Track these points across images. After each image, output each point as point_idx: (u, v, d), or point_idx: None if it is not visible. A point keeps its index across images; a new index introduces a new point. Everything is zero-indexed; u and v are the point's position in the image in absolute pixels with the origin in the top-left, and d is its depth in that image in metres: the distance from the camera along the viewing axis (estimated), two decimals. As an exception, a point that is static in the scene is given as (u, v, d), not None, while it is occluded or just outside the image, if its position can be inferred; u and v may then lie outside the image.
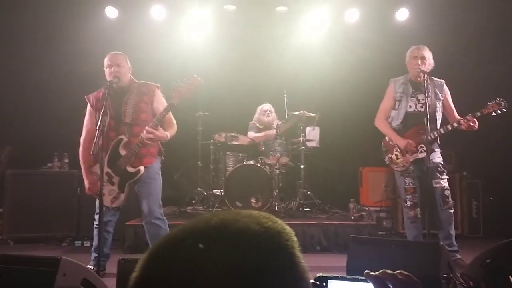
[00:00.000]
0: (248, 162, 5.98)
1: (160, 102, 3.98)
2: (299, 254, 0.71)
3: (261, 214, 0.73)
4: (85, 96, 4.07)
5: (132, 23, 6.68)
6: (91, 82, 4.78)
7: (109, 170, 3.87)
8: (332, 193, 7.12)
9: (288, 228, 0.73)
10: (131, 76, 4.05)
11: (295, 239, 0.72)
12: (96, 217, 3.99)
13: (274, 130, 6.17)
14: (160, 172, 4.10)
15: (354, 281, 0.87)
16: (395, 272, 0.84)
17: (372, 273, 0.84)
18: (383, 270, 0.84)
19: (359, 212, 5.63)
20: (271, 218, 0.73)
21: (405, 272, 0.84)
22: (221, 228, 0.69)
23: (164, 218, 4.02)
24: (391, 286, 0.82)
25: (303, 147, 6.16)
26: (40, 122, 6.40)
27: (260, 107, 6.60)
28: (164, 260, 0.67)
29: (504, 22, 6.09)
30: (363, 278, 0.85)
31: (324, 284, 0.87)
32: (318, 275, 0.87)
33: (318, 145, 6.69)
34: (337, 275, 0.88)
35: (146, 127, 3.75)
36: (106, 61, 3.96)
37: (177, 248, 0.67)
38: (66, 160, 5.98)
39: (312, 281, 0.85)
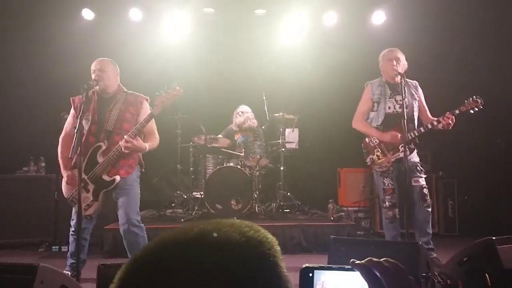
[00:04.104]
0: (228, 164, 5.98)
1: (146, 115, 3.94)
2: (281, 263, 0.70)
3: (243, 223, 0.72)
4: (71, 98, 4.00)
5: (110, 25, 6.61)
6: (67, 84, 4.72)
7: (85, 177, 3.79)
8: (312, 194, 7.15)
9: (270, 237, 0.72)
10: (120, 84, 4.01)
11: (278, 248, 0.71)
12: (72, 223, 3.93)
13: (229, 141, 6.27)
14: (138, 180, 4.06)
15: (340, 270, 0.88)
16: (381, 259, 0.85)
17: (358, 262, 0.84)
18: (369, 258, 0.84)
19: (338, 213, 5.67)
20: (253, 227, 0.71)
21: (391, 260, 0.85)
22: (201, 238, 0.67)
23: (142, 225, 3.97)
24: (377, 273, 0.83)
25: (283, 149, 6.18)
26: (15, 125, 6.27)
27: (236, 109, 6.60)
28: (142, 273, 0.65)
29: (476, 25, 6.23)
30: (349, 267, 0.85)
31: (310, 274, 0.87)
32: (304, 265, 0.87)
33: (297, 146, 6.73)
34: (323, 265, 0.88)
35: (125, 136, 3.70)
36: (92, 66, 3.92)
37: (155, 260, 0.65)
38: (43, 164, 5.85)
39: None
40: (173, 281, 0.63)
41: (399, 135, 4.27)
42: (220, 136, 6.30)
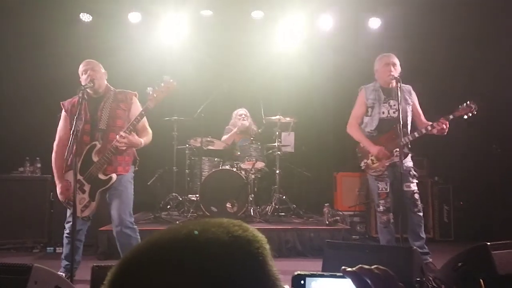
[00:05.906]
0: (223, 167, 5.97)
1: (137, 110, 3.93)
2: (270, 261, 0.70)
3: (232, 222, 0.72)
4: (61, 103, 4.00)
5: (107, 28, 6.61)
6: (64, 86, 4.71)
7: (81, 178, 3.77)
8: (307, 198, 7.15)
9: (259, 235, 0.72)
10: (107, 84, 4.01)
11: (266, 246, 0.72)
12: (67, 225, 3.91)
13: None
14: (133, 181, 4.05)
15: (332, 277, 0.88)
16: (371, 267, 0.86)
17: (349, 269, 0.85)
18: (360, 265, 0.85)
19: (333, 217, 5.67)
20: (242, 226, 0.72)
21: (381, 267, 0.86)
22: (189, 240, 0.67)
23: (135, 226, 3.95)
24: (368, 280, 0.83)
25: (279, 152, 6.18)
26: (11, 125, 6.25)
27: (235, 111, 6.63)
28: (131, 275, 0.65)
29: (471, 30, 6.27)
30: (341, 274, 0.86)
31: (301, 282, 0.88)
32: (295, 273, 0.88)
33: (293, 150, 6.73)
34: (315, 273, 0.89)
35: (120, 132, 3.70)
36: (81, 67, 3.92)
37: (144, 262, 0.66)
38: (39, 165, 5.84)
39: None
40: (161, 283, 0.63)
41: (386, 152, 4.31)
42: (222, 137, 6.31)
